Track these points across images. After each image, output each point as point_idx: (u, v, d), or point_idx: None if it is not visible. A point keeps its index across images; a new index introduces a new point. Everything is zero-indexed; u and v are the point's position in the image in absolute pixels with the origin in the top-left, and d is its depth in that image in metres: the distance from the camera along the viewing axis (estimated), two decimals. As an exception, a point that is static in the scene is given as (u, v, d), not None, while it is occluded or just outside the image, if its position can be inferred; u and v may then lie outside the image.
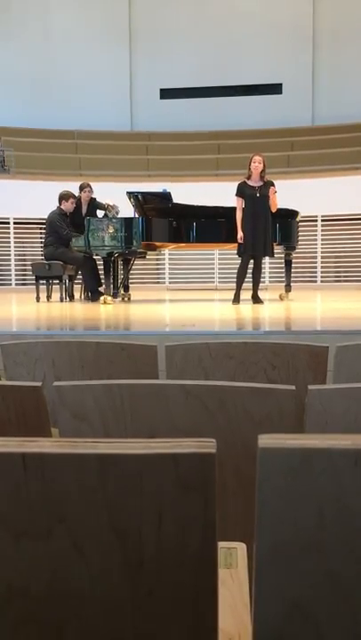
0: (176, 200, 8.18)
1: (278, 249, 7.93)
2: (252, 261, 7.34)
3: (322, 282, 12.69)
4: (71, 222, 8.28)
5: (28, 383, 1.72)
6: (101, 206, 8.47)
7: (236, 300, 7.35)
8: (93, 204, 8.55)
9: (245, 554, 1.19)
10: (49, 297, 8.59)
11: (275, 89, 15.03)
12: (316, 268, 12.78)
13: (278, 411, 1.46)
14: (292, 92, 14.91)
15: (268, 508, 0.80)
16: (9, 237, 12.89)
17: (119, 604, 0.85)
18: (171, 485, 0.81)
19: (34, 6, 15.12)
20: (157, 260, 12.90)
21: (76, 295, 8.75)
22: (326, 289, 12.01)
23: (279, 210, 7.43)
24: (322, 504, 0.79)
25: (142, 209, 8.18)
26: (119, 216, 8.10)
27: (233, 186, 7.36)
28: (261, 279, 7.83)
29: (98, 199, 8.60)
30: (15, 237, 12.89)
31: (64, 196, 8.34)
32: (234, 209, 7.30)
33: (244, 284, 7.38)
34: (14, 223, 12.78)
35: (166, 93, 15.28)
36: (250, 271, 7.38)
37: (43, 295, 8.49)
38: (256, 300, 7.29)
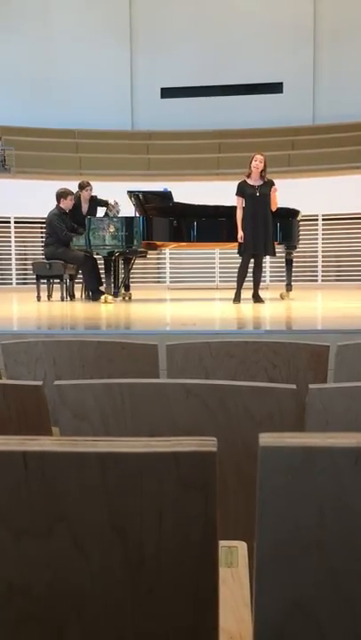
0: (177, 199, 8.17)
1: (279, 248, 7.93)
2: (252, 260, 7.34)
3: (323, 281, 12.69)
4: (72, 220, 8.28)
5: (29, 382, 1.72)
6: (103, 203, 8.46)
7: (237, 299, 7.35)
8: (95, 202, 8.54)
9: (246, 553, 1.19)
10: (50, 296, 8.59)
11: (275, 88, 15.02)
12: (316, 267, 12.78)
13: (279, 410, 1.46)
14: (293, 91, 14.90)
15: (269, 507, 0.80)
16: (10, 237, 12.89)
17: (120, 603, 0.85)
18: (171, 484, 0.81)
19: (34, 6, 15.11)
20: (158, 259, 12.90)
21: (77, 294, 8.75)
22: (327, 288, 12.01)
23: (280, 209, 7.43)
24: (322, 503, 0.79)
25: (143, 208, 8.18)
26: (120, 215, 8.10)
27: (234, 185, 7.36)
28: (262, 278, 7.83)
29: (98, 197, 8.60)
30: (16, 237, 12.89)
31: (62, 194, 8.32)
32: (234, 208, 7.30)
33: (244, 284, 7.38)
34: (15, 222, 12.78)
35: (167, 92, 15.27)
36: (251, 270, 7.38)
37: (43, 294, 8.49)
38: (257, 299, 7.29)
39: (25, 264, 12.44)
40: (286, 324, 5.68)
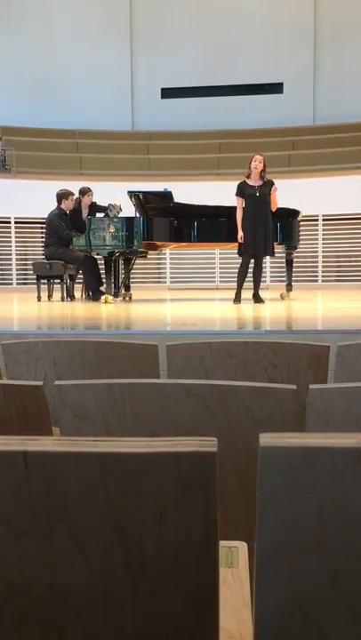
0: (177, 199, 8.17)
1: (279, 248, 7.93)
2: (253, 261, 7.34)
3: (323, 281, 12.68)
4: (71, 224, 8.28)
5: (30, 382, 1.72)
6: (102, 209, 8.46)
7: (237, 299, 7.35)
8: (94, 208, 8.54)
9: (246, 553, 1.19)
10: (50, 296, 8.59)
11: (276, 88, 15.02)
12: (317, 267, 12.77)
13: (279, 410, 1.46)
14: (294, 91, 14.89)
15: (269, 507, 0.80)
16: (10, 237, 12.89)
17: (120, 603, 0.85)
18: (172, 484, 0.81)
19: (35, 6, 15.11)
20: (158, 259, 12.89)
21: (77, 295, 8.76)
22: (327, 288, 12.01)
23: (280, 209, 7.43)
24: (323, 503, 0.79)
25: (143, 208, 8.18)
26: (120, 215, 8.10)
27: (234, 185, 7.36)
28: (262, 278, 7.83)
29: (99, 199, 8.59)
30: (16, 237, 12.88)
31: (63, 195, 8.33)
32: (235, 208, 7.30)
33: (245, 284, 7.38)
34: (15, 222, 12.77)
35: (167, 92, 15.27)
36: (251, 271, 7.38)
37: (44, 294, 8.50)
38: (257, 299, 7.29)
39: (25, 264, 12.43)
40: (287, 324, 5.68)
